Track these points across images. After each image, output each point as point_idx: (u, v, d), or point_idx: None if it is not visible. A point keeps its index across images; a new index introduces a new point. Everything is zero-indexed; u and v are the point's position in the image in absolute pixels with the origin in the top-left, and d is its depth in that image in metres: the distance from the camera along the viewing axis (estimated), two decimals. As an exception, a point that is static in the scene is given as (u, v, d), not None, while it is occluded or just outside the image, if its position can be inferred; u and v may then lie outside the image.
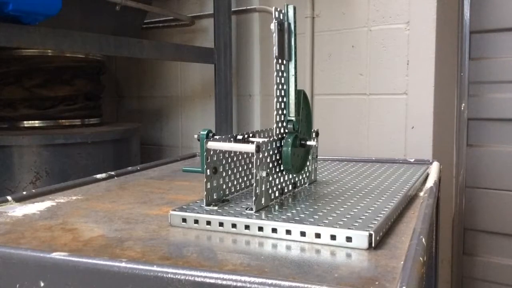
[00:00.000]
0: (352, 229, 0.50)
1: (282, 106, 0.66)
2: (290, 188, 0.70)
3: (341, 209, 0.60)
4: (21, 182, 1.27)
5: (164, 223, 0.59)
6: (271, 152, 0.63)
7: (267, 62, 1.78)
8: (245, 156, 0.69)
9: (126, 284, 0.44)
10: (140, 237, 0.53)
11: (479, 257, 1.79)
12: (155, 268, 0.42)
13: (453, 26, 1.67)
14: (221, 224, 0.56)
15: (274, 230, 0.53)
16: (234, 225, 0.55)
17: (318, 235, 0.51)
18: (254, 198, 0.58)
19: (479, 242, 1.80)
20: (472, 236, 1.81)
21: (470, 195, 1.79)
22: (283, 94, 0.66)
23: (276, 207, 0.61)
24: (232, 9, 1.69)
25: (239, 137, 0.67)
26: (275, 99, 0.65)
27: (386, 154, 1.52)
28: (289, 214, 0.57)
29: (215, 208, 0.60)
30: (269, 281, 0.39)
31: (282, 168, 0.66)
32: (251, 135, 0.69)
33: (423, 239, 0.49)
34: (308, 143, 0.68)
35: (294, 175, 0.71)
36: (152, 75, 2.05)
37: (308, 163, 0.75)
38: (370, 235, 0.49)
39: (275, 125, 0.65)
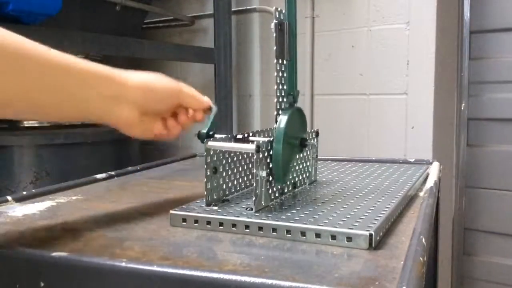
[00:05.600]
0: (352, 229, 0.50)
1: (282, 106, 0.66)
2: (290, 188, 0.70)
3: (341, 209, 0.60)
4: (21, 182, 1.27)
5: (164, 223, 0.59)
6: (271, 152, 0.63)
7: (267, 62, 1.78)
8: (245, 156, 0.68)
9: (126, 284, 0.44)
10: (140, 237, 0.53)
11: (479, 257, 1.79)
12: (155, 268, 0.42)
13: (453, 26, 1.67)
14: (221, 224, 0.56)
15: (274, 230, 0.53)
16: (234, 225, 0.55)
17: (318, 235, 0.51)
18: (254, 198, 0.58)
19: (479, 242, 1.80)
20: (472, 236, 1.81)
21: (470, 195, 1.79)
22: (283, 94, 0.66)
23: (276, 207, 0.61)
24: (232, 9, 1.69)
25: (239, 137, 0.67)
26: (275, 99, 0.65)
27: (386, 154, 1.52)
28: (289, 214, 0.57)
29: (215, 208, 0.60)
30: (269, 281, 0.39)
31: (282, 168, 0.66)
32: (251, 135, 0.69)
33: (423, 239, 0.49)
34: (308, 143, 0.69)
35: (295, 175, 0.71)
36: (152, 75, 2.04)
37: (308, 163, 0.75)
38: (371, 235, 0.49)
39: (275, 125, 0.65)
